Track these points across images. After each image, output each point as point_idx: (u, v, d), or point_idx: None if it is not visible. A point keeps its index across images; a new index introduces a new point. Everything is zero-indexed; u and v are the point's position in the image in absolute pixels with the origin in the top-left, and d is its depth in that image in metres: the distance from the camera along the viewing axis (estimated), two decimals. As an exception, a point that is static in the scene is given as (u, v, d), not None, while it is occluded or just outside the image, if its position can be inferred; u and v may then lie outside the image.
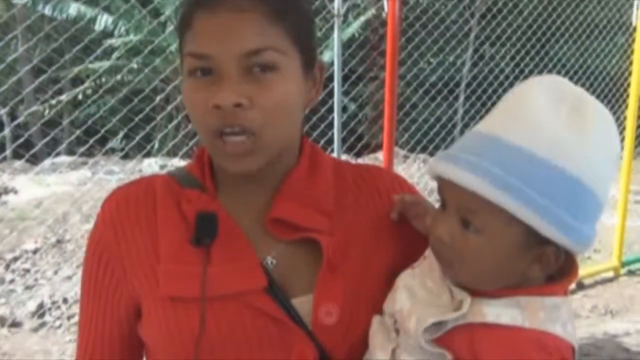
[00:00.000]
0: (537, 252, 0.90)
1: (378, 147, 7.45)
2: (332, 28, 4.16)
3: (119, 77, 9.05)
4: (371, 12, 10.39)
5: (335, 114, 4.13)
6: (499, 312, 0.91)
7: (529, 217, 0.85)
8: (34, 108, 9.17)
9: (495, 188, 0.85)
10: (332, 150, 4.23)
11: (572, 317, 0.96)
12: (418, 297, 0.98)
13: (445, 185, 0.92)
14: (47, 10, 10.50)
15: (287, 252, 1.06)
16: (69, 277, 5.24)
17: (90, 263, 1.10)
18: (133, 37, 10.79)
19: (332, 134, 4.27)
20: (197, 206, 1.05)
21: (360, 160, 7.71)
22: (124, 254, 1.06)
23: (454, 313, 0.91)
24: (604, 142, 0.89)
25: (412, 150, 9.03)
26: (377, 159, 8.19)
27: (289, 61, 0.99)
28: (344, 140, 4.46)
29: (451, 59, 10.38)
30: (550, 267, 0.92)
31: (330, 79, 4.22)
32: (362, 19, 10.74)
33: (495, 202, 0.86)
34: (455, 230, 0.91)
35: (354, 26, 10.70)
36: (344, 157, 4.73)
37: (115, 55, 11.19)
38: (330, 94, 4.20)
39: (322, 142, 5.04)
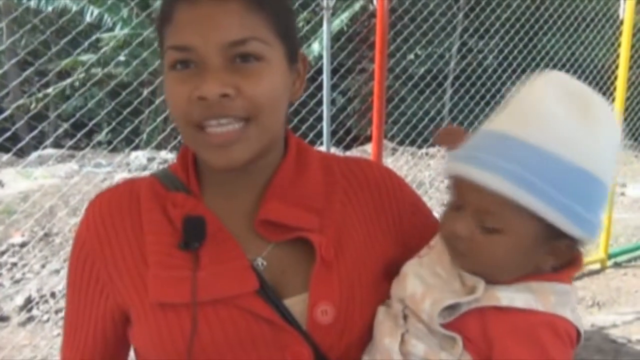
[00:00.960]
0: (552, 245, 0.92)
1: (367, 140, 7.45)
2: (321, 21, 4.14)
3: (106, 69, 8.98)
4: (359, 4, 10.37)
5: (325, 107, 4.12)
6: (513, 296, 0.93)
7: (549, 214, 0.87)
8: (20, 101, 9.09)
9: (516, 186, 0.87)
10: (321, 144, 4.22)
11: (577, 306, 0.98)
12: (430, 283, 0.99)
13: (462, 185, 0.93)
14: (33, 3, 10.42)
15: (277, 253, 1.04)
16: (57, 271, 5.21)
17: (75, 268, 1.09)
18: (121, 31, 10.72)
19: (321, 127, 4.26)
20: (183, 209, 1.02)
21: (348, 153, 7.70)
22: (109, 260, 1.04)
23: (469, 296, 0.93)
24: (611, 135, 0.92)
25: (400, 143, 9.05)
26: (366, 151, 8.19)
27: (273, 52, 0.97)
28: (333, 133, 4.46)
29: (439, 51, 10.38)
30: (563, 258, 0.95)
31: (319, 72, 4.21)
32: (351, 10, 10.72)
33: (515, 200, 0.87)
34: (473, 228, 0.93)
35: (342, 19, 10.68)
36: (332, 150, 4.73)
37: (103, 48, 11.12)
38: (319, 87, 4.19)
39: (311, 135, 5.02)
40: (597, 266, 5.88)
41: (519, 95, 0.95)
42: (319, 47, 9.74)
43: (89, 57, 10.70)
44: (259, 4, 0.96)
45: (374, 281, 1.06)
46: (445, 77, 10.36)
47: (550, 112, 0.89)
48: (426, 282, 0.99)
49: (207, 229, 1.01)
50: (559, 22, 7.88)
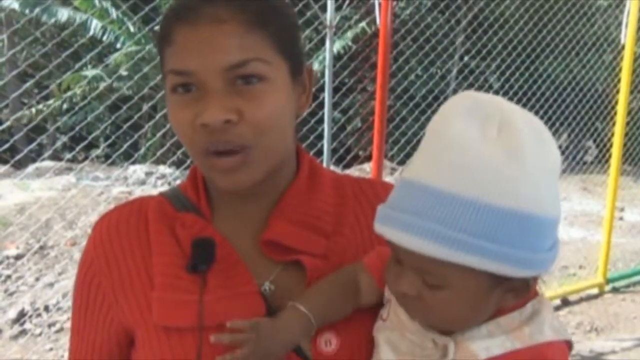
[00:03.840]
0: (507, 285, 0.85)
1: (366, 159, 7.44)
2: (323, 39, 4.14)
3: (106, 83, 8.98)
4: (363, 24, 10.41)
5: (326, 125, 4.11)
6: (487, 344, 0.86)
7: (484, 265, 0.79)
8: (19, 114, 9.09)
9: (441, 246, 0.78)
10: (321, 162, 4.20)
11: (553, 312, 0.91)
12: (403, 351, 0.93)
13: (394, 245, 0.85)
14: (37, 14, 10.43)
15: (284, 276, 1.01)
16: (51, 284, 5.17)
17: (81, 288, 1.06)
18: (124, 46, 10.73)
19: (322, 145, 4.25)
20: (192, 231, 1.00)
21: (347, 172, 7.69)
22: (116, 281, 1.02)
23: (443, 359, 0.87)
24: (542, 160, 0.81)
25: (400, 163, 9.04)
26: (365, 170, 8.19)
27: (275, 70, 0.94)
28: (332, 152, 4.44)
29: (440, 72, 10.41)
30: (524, 292, 0.87)
31: (321, 89, 4.20)
32: (354, 30, 10.76)
33: (444, 260, 0.79)
34: (418, 285, 0.85)
35: (346, 38, 10.72)
36: (332, 168, 4.71)
37: (106, 63, 11.14)
38: (320, 105, 4.18)
39: (311, 153, 4.99)
40: (595, 291, 5.85)
41: (431, 132, 0.84)
42: (320, 65, 9.77)
43: (91, 73, 10.72)
44: (259, 23, 0.93)
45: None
46: (447, 98, 10.34)
47: (460, 148, 0.79)
48: (398, 350, 0.93)
49: (217, 251, 0.98)
50: (561, 46, 7.91)
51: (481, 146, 0.79)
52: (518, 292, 0.86)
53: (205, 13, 0.91)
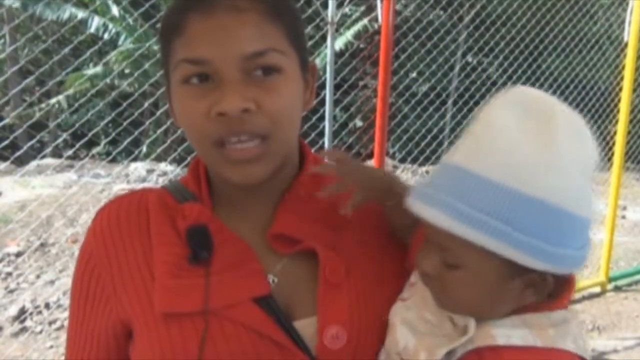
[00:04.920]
0: (524, 278, 0.86)
1: (368, 157, 7.43)
2: (324, 36, 4.13)
3: (107, 79, 8.97)
4: (365, 21, 10.40)
5: (327, 123, 4.10)
6: (509, 333, 0.87)
7: (503, 250, 0.81)
8: (19, 109, 9.08)
9: (462, 224, 0.81)
10: (322, 159, 4.18)
11: (582, 330, 0.92)
12: (420, 331, 0.93)
13: (423, 221, 0.88)
14: (39, 11, 10.42)
15: (290, 268, 1.00)
16: (52, 282, 5.17)
17: (81, 277, 1.05)
18: (125, 42, 10.71)
19: (323, 143, 4.24)
20: (192, 221, 0.99)
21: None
22: (115, 273, 1.01)
23: (461, 338, 0.87)
24: (577, 155, 0.83)
25: (401, 160, 9.02)
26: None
27: (289, 62, 0.94)
28: (334, 149, 4.42)
29: (442, 69, 10.39)
30: (543, 290, 0.88)
31: (322, 87, 4.19)
32: (356, 27, 10.74)
33: (465, 239, 0.82)
34: (438, 265, 0.88)
35: (347, 35, 10.70)
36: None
37: (107, 59, 11.12)
38: (322, 103, 4.17)
39: (312, 150, 4.99)
40: (597, 290, 5.84)
41: (474, 121, 0.88)
42: (321, 62, 9.76)
43: (92, 71, 10.71)
44: (276, 14, 0.93)
45: (390, 305, 1.00)
46: (449, 95, 10.37)
47: (502, 139, 0.81)
48: (416, 330, 0.93)
49: (216, 237, 0.97)
50: (564, 43, 7.90)
51: (519, 135, 0.81)
52: (537, 288, 0.87)
53: (222, 2, 0.91)
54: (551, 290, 0.90)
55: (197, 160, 1.06)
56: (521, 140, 0.81)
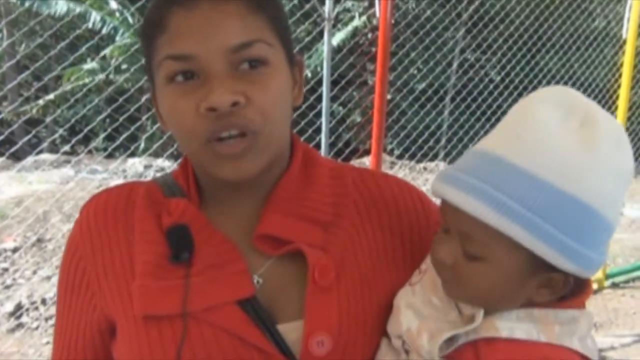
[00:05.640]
0: (544, 277, 0.84)
1: (365, 153, 7.43)
2: (322, 32, 4.12)
3: (103, 75, 8.95)
4: (363, 18, 10.38)
5: (324, 119, 4.09)
6: (513, 325, 0.86)
7: (532, 244, 0.80)
8: (15, 104, 9.06)
9: (496, 213, 0.80)
10: (320, 156, 4.18)
11: (591, 330, 0.90)
12: (425, 315, 0.92)
13: (447, 207, 0.86)
14: (36, 6, 10.38)
15: (277, 269, 0.96)
16: (48, 278, 5.16)
17: (67, 271, 1.03)
18: (121, 38, 10.70)
19: (320, 139, 4.23)
20: (176, 218, 0.96)
21: (347, 166, 7.66)
22: (99, 266, 0.99)
23: (466, 326, 0.86)
24: (615, 161, 0.82)
25: (399, 157, 9.03)
26: (364, 164, 8.16)
27: (276, 54, 0.91)
28: (331, 146, 4.42)
29: (440, 66, 10.39)
30: (559, 291, 0.86)
31: (319, 83, 4.18)
32: (353, 24, 10.73)
33: (496, 228, 0.80)
34: (457, 254, 0.86)
35: (345, 31, 10.69)
36: (331, 162, 4.70)
37: (104, 54, 11.10)
38: (319, 99, 4.16)
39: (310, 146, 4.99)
40: (594, 286, 5.83)
41: (515, 112, 0.87)
42: (319, 58, 9.74)
43: (90, 66, 10.68)
44: (259, 5, 0.91)
45: (379, 310, 0.97)
46: (447, 92, 10.36)
47: (543, 133, 0.81)
48: (421, 314, 0.92)
49: (199, 235, 0.94)
50: (562, 40, 7.89)
51: (560, 131, 0.81)
52: (555, 289, 0.86)
53: None
54: (566, 292, 0.89)
55: (186, 159, 1.04)
56: (564, 138, 0.80)
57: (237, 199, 1.00)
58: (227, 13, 0.88)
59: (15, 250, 5.59)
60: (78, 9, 10.62)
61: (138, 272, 0.95)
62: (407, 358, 0.92)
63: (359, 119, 9.72)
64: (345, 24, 10.84)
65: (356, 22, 10.57)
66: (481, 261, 0.84)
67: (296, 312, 0.94)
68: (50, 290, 4.90)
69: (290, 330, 0.93)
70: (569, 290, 0.87)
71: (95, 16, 10.85)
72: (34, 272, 5.36)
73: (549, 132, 0.81)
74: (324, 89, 4.05)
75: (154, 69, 0.93)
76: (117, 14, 11.02)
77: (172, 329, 0.91)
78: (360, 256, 0.99)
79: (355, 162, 8.67)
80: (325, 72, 4.03)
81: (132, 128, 4.63)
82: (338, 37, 10.15)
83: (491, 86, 7.62)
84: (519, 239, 0.80)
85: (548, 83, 7.79)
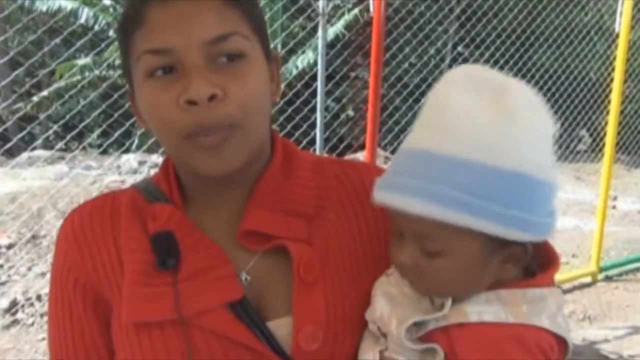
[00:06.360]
0: (504, 253, 0.87)
1: (360, 148, 7.44)
2: (316, 27, 4.12)
3: (97, 71, 8.93)
4: (355, 12, 10.37)
5: (318, 114, 4.09)
6: (481, 309, 0.87)
7: (484, 227, 0.81)
8: (9, 101, 9.02)
9: (440, 207, 0.80)
10: (314, 151, 4.19)
11: (562, 308, 0.92)
12: (397, 302, 0.93)
13: (394, 213, 0.87)
14: (27, 3, 10.34)
15: (263, 265, 0.97)
16: (43, 274, 5.15)
17: (59, 283, 1.01)
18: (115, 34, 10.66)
19: (314, 134, 4.23)
20: (162, 224, 0.96)
21: (341, 161, 7.66)
22: (91, 271, 0.98)
23: (435, 313, 0.88)
24: (535, 125, 0.84)
25: (393, 152, 9.02)
26: (358, 159, 8.17)
27: (253, 47, 0.91)
28: (326, 141, 4.42)
29: (434, 60, 10.38)
30: (522, 262, 0.89)
31: (313, 78, 4.18)
32: (347, 18, 10.72)
33: (444, 221, 0.81)
34: (416, 255, 0.87)
35: (338, 26, 10.67)
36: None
37: (98, 49, 11.06)
38: (313, 94, 4.16)
39: (304, 142, 5.00)
40: (588, 279, 5.87)
41: (429, 102, 0.87)
42: (313, 54, 9.72)
43: (83, 62, 10.65)
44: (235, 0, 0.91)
45: (366, 300, 0.97)
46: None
47: (460, 115, 0.82)
48: (393, 302, 0.94)
49: (185, 241, 0.95)
50: (555, 34, 7.90)
51: (476, 109, 0.82)
52: (517, 260, 0.88)
53: None
54: (532, 266, 0.91)
55: (167, 160, 1.04)
56: (481, 115, 0.81)
57: (220, 196, 0.99)
58: (203, 6, 0.88)
59: (9, 246, 5.59)
60: (70, 5, 10.59)
61: (126, 280, 0.94)
62: (385, 341, 0.94)
63: (353, 114, 9.73)
64: (338, 18, 10.83)
65: (348, 16, 10.55)
66: (441, 256, 0.86)
67: (285, 308, 0.94)
68: (45, 286, 4.89)
69: (280, 326, 0.93)
70: (536, 265, 0.91)
71: (88, 12, 10.83)
72: (29, 269, 5.36)
73: (466, 113, 0.82)
74: (319, 84, 4.05)
75: (132, 65, 0.93)
76: (111, 10, 10.98)
77: (163, 336, 0.91)
78: (345, 247, 1.00)
79: (349, 157, 8.68)
80: (320, 67, 4.03)
81: (127, 124, 4.62)
82: (331, 32, 10.14)
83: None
84: (470, 226, 0.81)
85: (541, 77, 7.79)
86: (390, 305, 0.93)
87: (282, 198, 0.98)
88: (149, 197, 1.01)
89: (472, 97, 0.83)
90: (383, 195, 0.87)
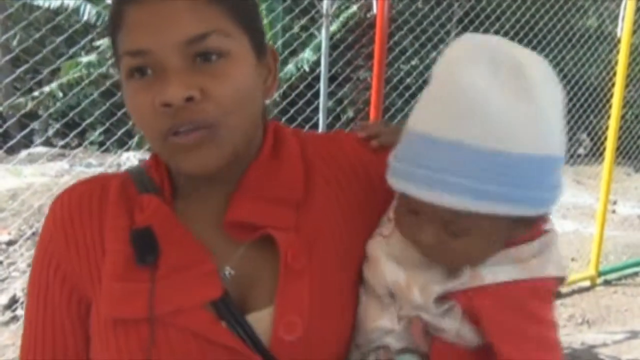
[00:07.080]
0: (520, 223, 0.88)
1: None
2: (318, 28, 4.12)
3: (100, 69, 8.93)
4: (358, 13, 10.36)
5: (321, 115, 4.10)
6: (495, 270, 0.90)
7: (514, 211, 0.83)
8: (12, 99, 9.02)
9: (475, 200, 0.81)
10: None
11: (557, 248, 0.95)
12: (409, 266, 0.93)
13: (414, 200, 0.85)
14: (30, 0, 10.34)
15: (249, 257, 0.95)
16: (43, 271, 5.14)
17: (40, 266, 1.00)
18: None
19: (317, 135, 4.23)
20: (147, 215, 0.94)
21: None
22: (74, 259, 0.97)
23: (456, 281, 0.90)
24: (550, 98, 0.84)
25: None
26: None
27: (236, 44, 0.89)
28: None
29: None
30: (533, 224, 0.91)
31: (316, 79, 4.18)
32: (349, 19, 10.70)
33: (478, 212, 0.82)
34: (440, 234, 0.87)
35: (341, 27, 10.67)
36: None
37: (101, 48, 11.07)
38: (316, 95, 4.17)
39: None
40: (587, 283, 5.87)
41: (437, 78, 0.85)
42: (316, 54, 9.73)
43: (87, 59, 10.64)
44: None
45: (353, 286, 0.97)
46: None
47: (476, 100, 0.79)
48: (404, 266, 0.93)
49: (168, 236, 0.93)
50: (556, 39, 7.90)
51: (494, 94, 0.80)
52: (528, 224, 0.89)
53: None
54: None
55: None
56: (502, 101, 0.79)
57: (209, 188, 0.99)
58: (180, 5, 0.85)
59: (10, 243, 5.58)
60: (72, 3, 10.59)
61: (106, 273, 0.94)
62: (395, 302, 0.94)
63: (355, 115, 9.72)
64: (337, 17, 10.80)
65: (346, 14, 10.51)
66: (467, 234, 0.86)
67: (267, 298, 0.93)
68: (45, 283, 4.89)
69: (262, 318, 0.92)
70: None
71: (90, 9, 10.83)
72: (29, 265, 5.34)
73: (483, 98, 0.79)
74: (322, 84, 4.05)
75: (119, 65, 0.93)
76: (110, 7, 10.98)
77: (138, 333, 0.90)
78: (336, 229, 0.99)
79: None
80: (322, 68, 4.03)
81: (130, 123, 4.62)
82: (334, 33, 10.12)
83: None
84: (504, 214, 0.83)
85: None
86: (404, 271, 0.93)
87: (270, 186, 0.97)
88: (139, 185, 1.00)
89: (485, 76, 0.80)
90: (400, 183, 0.87)
